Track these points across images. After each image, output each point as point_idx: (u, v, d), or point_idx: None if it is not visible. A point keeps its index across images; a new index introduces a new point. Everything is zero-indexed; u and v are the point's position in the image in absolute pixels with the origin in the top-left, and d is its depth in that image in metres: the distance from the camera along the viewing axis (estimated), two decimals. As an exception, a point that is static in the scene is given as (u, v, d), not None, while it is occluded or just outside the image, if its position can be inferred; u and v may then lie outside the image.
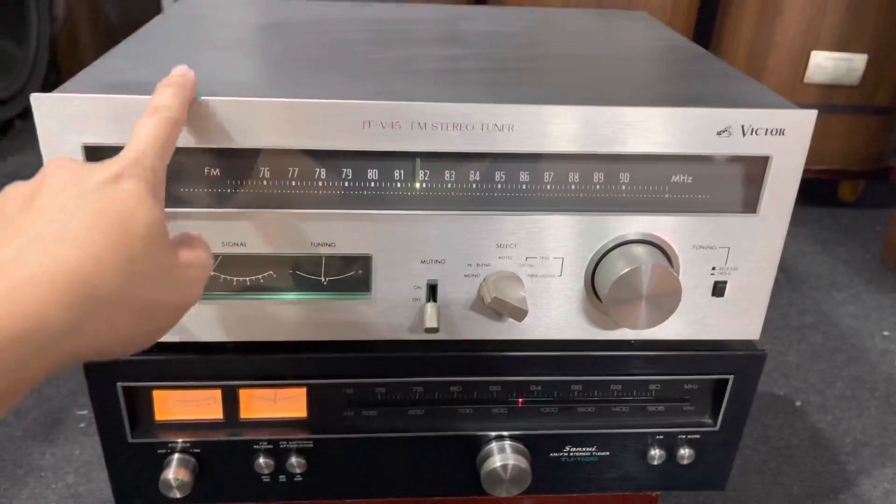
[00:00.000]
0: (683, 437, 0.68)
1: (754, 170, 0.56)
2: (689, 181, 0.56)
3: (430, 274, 0.58)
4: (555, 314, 0.60)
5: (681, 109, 0.53)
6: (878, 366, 1.22)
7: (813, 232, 1.64)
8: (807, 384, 1.16)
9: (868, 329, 1.31)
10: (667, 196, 0.57)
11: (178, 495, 0.63)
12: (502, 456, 0.65)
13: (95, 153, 0.51)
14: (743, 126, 0.53)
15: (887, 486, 0.96)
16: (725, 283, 0.60)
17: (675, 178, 0.56)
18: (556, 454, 0.67)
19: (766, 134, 0.54)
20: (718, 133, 0.54)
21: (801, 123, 0.54)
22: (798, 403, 1.11)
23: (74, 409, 1.00)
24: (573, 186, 0.56)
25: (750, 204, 0.57)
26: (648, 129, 0.53)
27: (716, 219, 0.57)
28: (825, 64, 1.56)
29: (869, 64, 1.59)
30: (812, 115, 0.54)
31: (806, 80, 1.58)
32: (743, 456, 1.00)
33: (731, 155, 0.55)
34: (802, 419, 1.08)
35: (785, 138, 0.54)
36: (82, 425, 0.98)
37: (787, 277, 1.43)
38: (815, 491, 0.95)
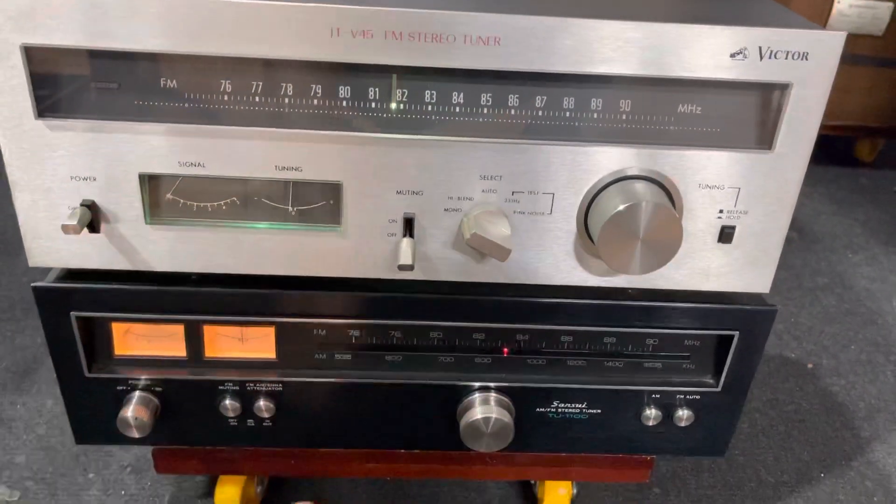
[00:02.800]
0: (682, 397, 0.63)
1: (772, 99, 0.49)
2: (698, 111, 0.50)
3: (406, 206, 0.53)
4: (543, 256, 0.55)
5: (689, 26, 0.47)
6: (894, 329, 1.16)
7: (829, 191, 1.57)
8: (819, 347, 1.10)
9: (884, 291, 1.25)
10: (672, 128, 0.51)
11: (136, 435, 0.60)
12: (485, 408, 0.61)
13: (37, 55, 0.46)
14: (760, 48, 0.47)
15: (902, 456, 0.91)
16: (734, 228, 0.54)
17: (681, 108, 0.50)
18: (542, 409, 0.63)
19: (786, 58, 0.48)
20: (732, 55, 0.47)
21: (827, 47, 0.48)
22: (810, 367, 1.06)
23: (48, 360, 0.96)
24: (567, 113, 0.50)
25: (765, 139, 0.51)
26: (652, 48, 0.47)
27: (726, 155, 0.51)
28: (848, 12, 1.47)
29: (895, 14, 1.49)
30: (840, 37, 0.47)
31: (828, 28, 1.49)
32: (751, 420, 0.95)
33: (746, 81, 0.48)
34: (814, 383, 1.03)
35: (808, 64, 0.48)
36: (57, 375, 0.94)
37: (802, 237, 1.36)
38: (826, 457, 0.90)
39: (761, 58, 0.47)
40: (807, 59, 0.48)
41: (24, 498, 0.76)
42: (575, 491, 0.77)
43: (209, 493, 0.77)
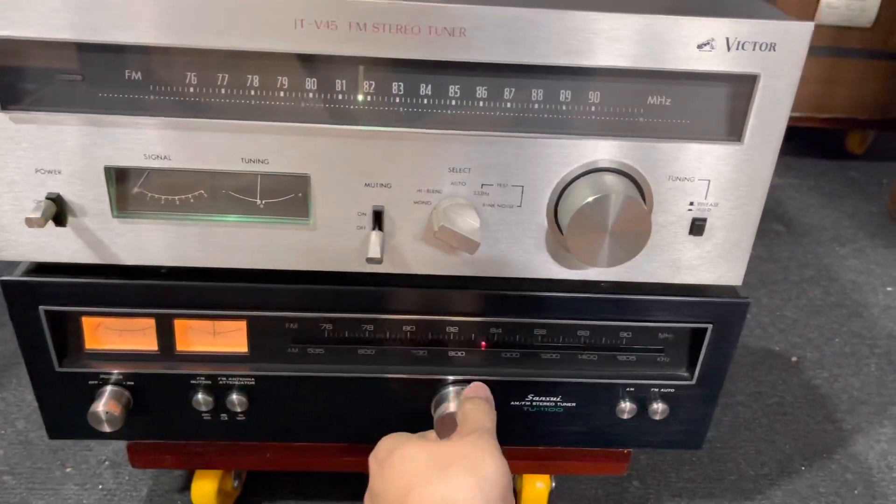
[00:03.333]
0: (656, 390, 0.63)
1: (740, 91, 0.49)
2: (667, 103, 0.50)
3: (375, 199, 0.52)
4: (514, 249, 0.55)
5: (657, 17, 0.46)
6: (879, 322, 1.16)
7: (818, 184, 1.57)
8: (804, 340, 1.10)
9: (871, 284, 1.25)
10: (641, 120, 0.51)
11: (107, 429, 0.60)
12: (459, 401, 0.60)
13: (8, 47, 0.46)
14: (728, 38, 0.47)
15: (884, 447, 0.91)
16: (705, 220, 0.54)
17: (651, 100, 0.50)
18: (517, 403, 0.63)
19: (753, 49, 0.47)
20: (699, 46, 0.47)
21: (794, 37, 0.47)
22: (794, 359, 1.06)
23: None
24: (536, 105, 0.50)
25: (734, 131, 0.51)
26: (620, 39, 0.47)
27: (695, 147, 0.51)
28: (837, 4, 1.47)
29: (883, 5, 1.50)
30: (808, 27, 0.47)
31: (816, 21, 1.50)
32: (733, 412, 0.95)
33: (714, 72, 0.48)
34: (798, 375, 1.03)
35: (776, 54, 0.47)
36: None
37: (789, 230, 1.36)
38: (808, 450, 0.90)
39: (728, 49, 0.47)
40: (774, 49, 0.47)
41: (1, 492, 0.76)
42: (553, 485, 0.76)
43: (187, 486, 0.77)
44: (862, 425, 0.95)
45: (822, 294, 1.22)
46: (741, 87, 0.49)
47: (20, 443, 0.82)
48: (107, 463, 0.80)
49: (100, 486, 0.77)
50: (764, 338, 1.10)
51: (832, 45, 1.52)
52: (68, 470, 0.79)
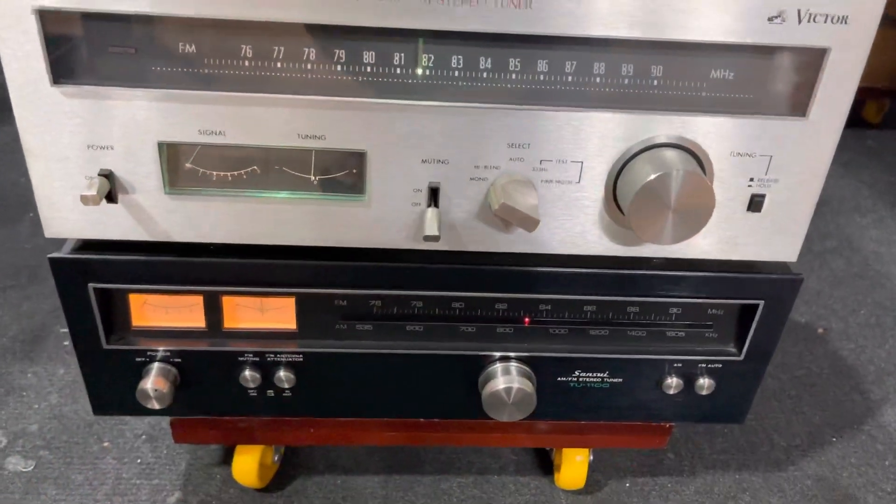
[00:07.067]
0: (704, 365, 0.63)
1: (808, 65, 0.48)
2: (731, 77, 0.49)
3: (431, 175, 0.52)
4: (570, 226, 0.54)
5: (728, -11, 0.45)
6: (903, 293, 1.16)
7: (836, 154, 1.56)
8: (828, 311, 1.10)
9: (892, 254, 1.25)
10: (704, 94, 0.50)
11: (156, 406, 0.59)
12: (506, 378, 0.60)
13: (49, 18, 0.45)
14: (799, 10, 0.46)
15: (913, 419, 0.92)
16: (764, 196, 0.53)
17: (714, 74, 0.49)
18: (563, 378, 0.63)
19: (825, 21, 0.46)
20: (770, 19, 0.46)
21: (867, 9, 0.46)
22: (819, 331, 1.06)
23: (58, 327, 0.95)
24: (598, 79, 0.49)
25: (799, 106, 0.50)
26: (687, 11, 0.46)
27: (758, 122, 0.50)
28: None
29: None
30: (880, 1, 0.46)
31: None
32: (762, 384, 0.95)
33: (783, 45, 0.47)
34: (824, 347, 1.03)
35: (847, 28, 0.46)
36: (66, 343, 0.93)
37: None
38: (837, 420, 0.91)
39: (800, 21, 0.46)
40: (846, 22, 0.46)
41: (39, 467, 0.76)
42: (591, 458, 0.77)
43: (225, 460, 0.77)
44: (889, 396, 0.95)
45: (844, 265, 1.22)
46: (809, 60, 0.48)
47: (54, 417, 0.82)
48: (143, 437, 0.80)
49: (138, 461, 0.77)
50: (790, 309, 1.10)
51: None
52: (105, 444, 0.79)
